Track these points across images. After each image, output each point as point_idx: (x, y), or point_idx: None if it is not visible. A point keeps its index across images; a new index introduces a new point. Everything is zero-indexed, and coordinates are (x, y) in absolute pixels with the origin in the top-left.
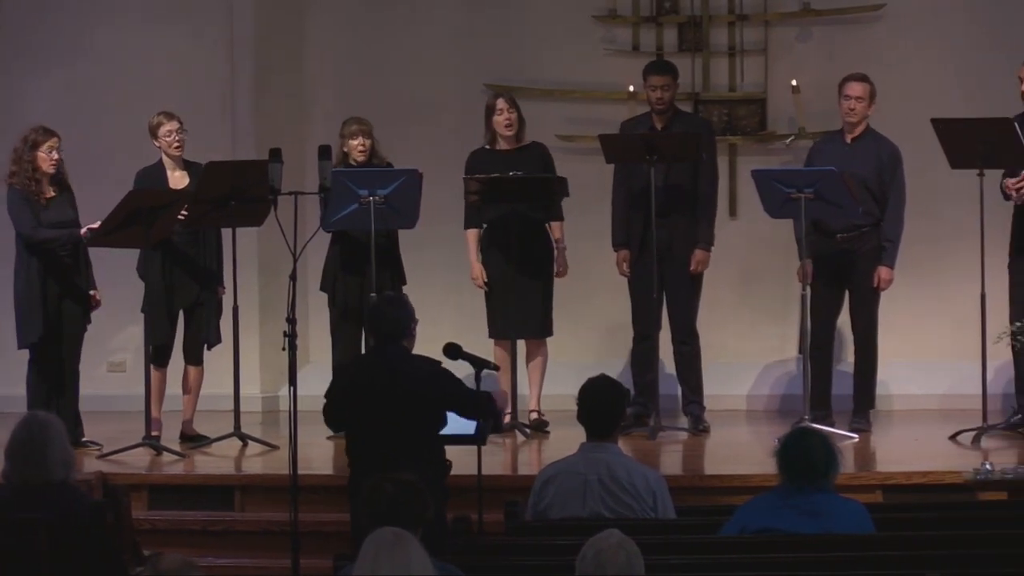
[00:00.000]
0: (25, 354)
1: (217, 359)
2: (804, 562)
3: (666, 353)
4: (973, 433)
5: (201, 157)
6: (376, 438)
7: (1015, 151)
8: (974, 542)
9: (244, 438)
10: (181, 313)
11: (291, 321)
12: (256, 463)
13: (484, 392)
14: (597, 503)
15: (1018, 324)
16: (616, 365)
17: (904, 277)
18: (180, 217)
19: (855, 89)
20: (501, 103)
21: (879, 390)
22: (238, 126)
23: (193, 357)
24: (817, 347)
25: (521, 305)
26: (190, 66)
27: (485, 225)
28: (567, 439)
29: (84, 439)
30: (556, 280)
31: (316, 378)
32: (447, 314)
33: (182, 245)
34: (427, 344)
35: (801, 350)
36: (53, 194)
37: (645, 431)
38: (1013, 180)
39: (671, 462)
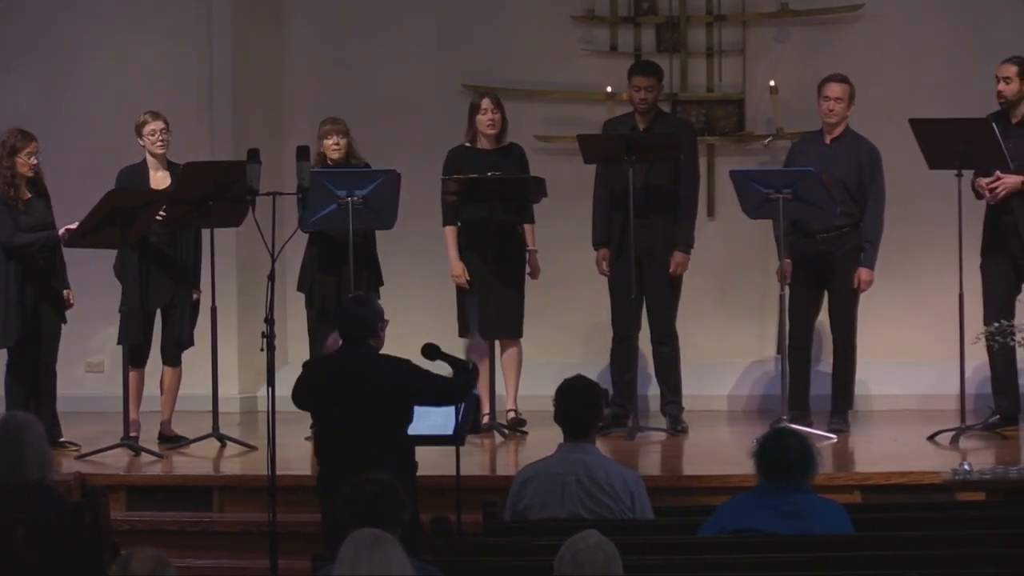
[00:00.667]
0: (3, 355)
1: (195, 359)
2: (782, 562)
3: (645, 354)
4: (951, 433)
5: (180, 158)
6: (345, 438)
7: (992, 151)
8: (952, 542)
9: (222, 439)
10: (158, 313)
11: (269, 322)
12: (234, 464)
13: (460, 368)
14: (575, 504)
15: (996, 325)
16: (595, 365)
17: (883, 277)
18: (159, 218)
19: (834, 90)
20: (486, 103)
21: (857, 390)
22: (216, 127)
23: (170, 358)
24: (796, 347)
25: (497, 305)
26: (168, 67)
27: (459, 224)
28: (545, 440)
29: (62, 440)
30: (533, 281)
31: (294, 379)
32: (425, 314)
33: (159, 245)
34: (405, 344)
35: (780, 350)
36: (30, 196)
37: (623, 431)
38: (987, 180)
39: (649, 462)
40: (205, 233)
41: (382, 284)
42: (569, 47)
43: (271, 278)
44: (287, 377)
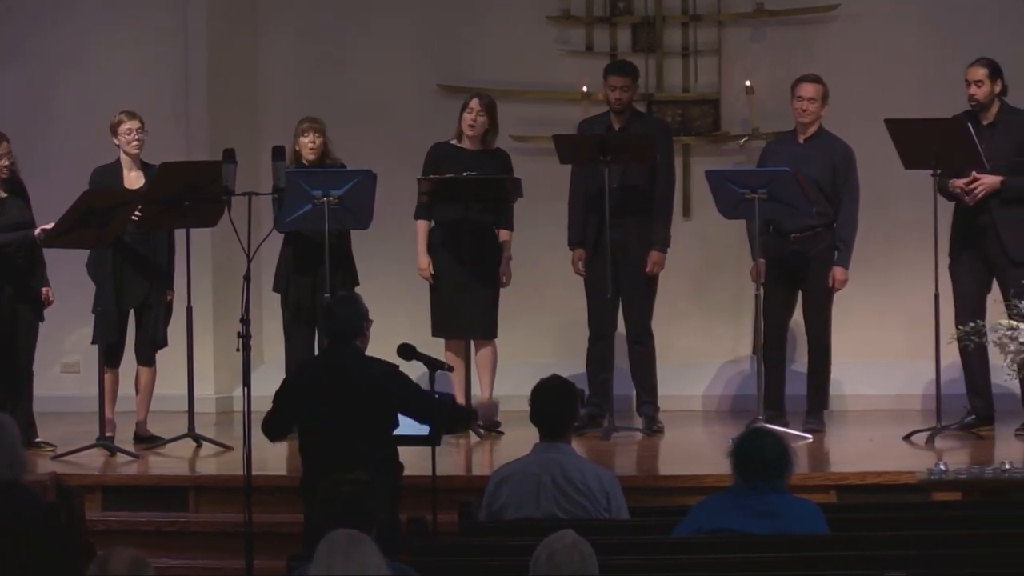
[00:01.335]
0: None
1: (171, 360)
2: (758, 562)
3: (621, 353)
4: (927, 433)
5: (155, 159)
6: (330, 438)
7: (967, 151)
8: (928, 542)
9: (198, 439)
10: (132, 313)
11: (245, 322)
12: (210, 464)
13: (442, 398)
14: (551, 504)
15: (972, 325)
16: (571, 366)
17: (857, 277)
18: (134, 218)
19: (807, 90)
20: (474, 103)
21: (833, 390)
22: (192, 127)
23: (144, 358)
24: (770, 347)
25: (471, 306)
26: (144, 67)
27: (433, 222)
28: (521, 440)
29: (38, 440)
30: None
31: (270, 379)
32: (400, 314)
33: (133, 244)
34: (380, 344)
35: (755, 350)
36: (5, 196)
37: (599, 431)
38: (963, 180)
39: (625, 462)
40: (180, 233)
41: (358, 284)
42: (545, 47)
43: (247, 278)
44: (263, 377)
